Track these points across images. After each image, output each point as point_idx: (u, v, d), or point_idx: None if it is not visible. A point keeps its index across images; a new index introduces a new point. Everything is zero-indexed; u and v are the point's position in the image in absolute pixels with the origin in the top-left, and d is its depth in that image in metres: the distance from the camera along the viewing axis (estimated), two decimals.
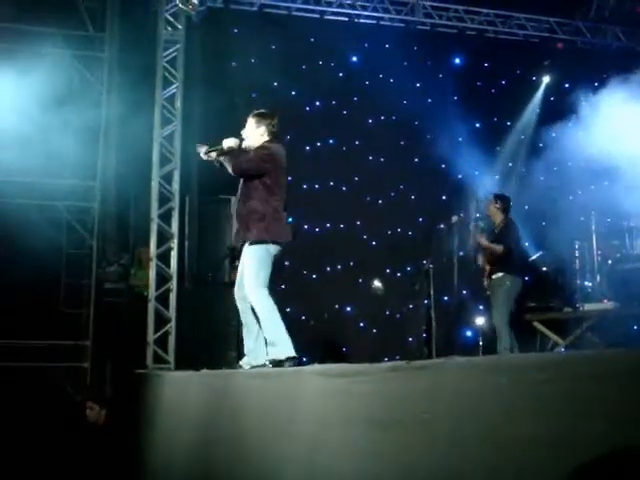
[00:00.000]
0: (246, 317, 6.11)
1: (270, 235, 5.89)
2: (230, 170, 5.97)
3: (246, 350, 6.16)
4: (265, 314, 5.89)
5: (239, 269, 6.17)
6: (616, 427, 2.28)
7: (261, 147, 6.03)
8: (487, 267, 8.78)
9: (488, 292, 8.91)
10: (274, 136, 6.18)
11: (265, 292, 5.89)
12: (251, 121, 6.16)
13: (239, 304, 6.11)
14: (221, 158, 6.04)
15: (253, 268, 5.90)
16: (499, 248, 8.60)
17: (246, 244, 5.97)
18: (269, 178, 5.93)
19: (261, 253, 5.89)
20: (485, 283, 8.89)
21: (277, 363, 5.71)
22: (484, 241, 8.66)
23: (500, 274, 8.65)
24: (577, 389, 2.40)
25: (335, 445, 3.70)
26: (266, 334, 5.91)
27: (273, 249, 5.95)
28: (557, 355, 2.88)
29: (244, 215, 5.97)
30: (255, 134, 6.11)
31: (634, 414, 2.23)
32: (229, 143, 6.03)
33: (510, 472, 2.63)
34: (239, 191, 6.08)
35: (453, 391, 2.93)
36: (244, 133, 6.13)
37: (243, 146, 6.10)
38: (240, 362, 6.23)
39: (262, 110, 6.28)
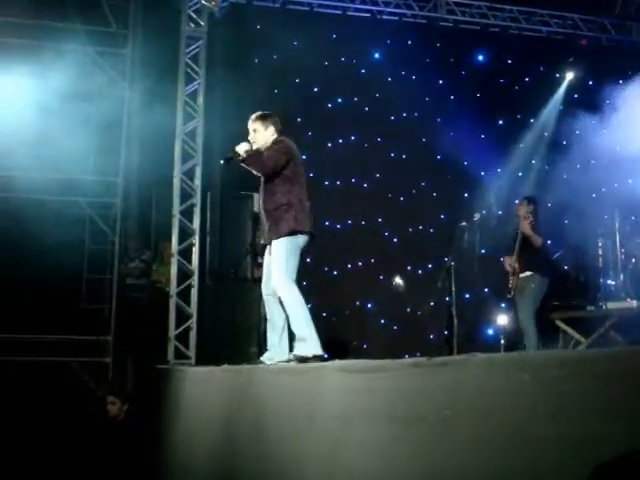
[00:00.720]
0: (272, 312, 6.12)
1: (299, 225, 5.93)
2: (258, 172, 6.02)
3: (269, 345, 6.15)
4: (295, 309, 5.89)
5: (265, 264, 6.17)
6: (638, 426, 2.26)
7: (275, 142, 6.12)
8: (515, 266, 8.72)
9: (512, 292, 8.84)
10: (281, 133, 6.24)
11: (295, 287, 5.90)
12: (256, 125, 6.21)
13: (266, 299, 6.13)
14: (243, 164, 6.04)
15: (282, 261, 5.90)
16: (539, 240, 8.56)
17: (270, 242, 5.99)
18: (289, 170, 6.02)
19: (290, 245, 5.92)
20: (511, 282, 8.82)
21: (303, 359, 5.68)
22: (527, 227, 8.58)
23: (529, 273, 8.61)
24: (598, 387, 2.38)
25: (356, 442, 3.69)
26: (295, 329, 5.89)
27: (302, 240, 5.99)
28: (578, 352, 2.86)
29: (272, 210, 5.99)
30: (264, 136, 6.16)
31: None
32: (244, 147, 6.04)
33: (532, 471, 2.61)
34: (262, 189, 6.12)
35: (475, 388, 2.91)
36: (251, 138, 6.15)
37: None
38: (261, 357, 6.21)
39: (261, 112, 6.32)
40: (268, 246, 6.09)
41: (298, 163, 6.15)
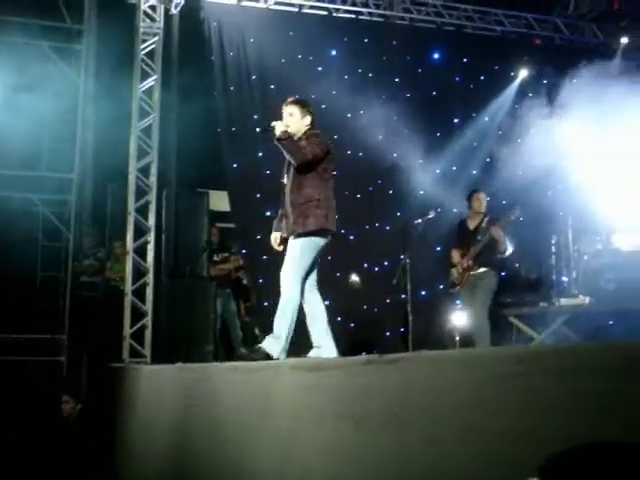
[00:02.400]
0: (310, 306, 6.02)
1: (329, 223, 5.88)
2: (293, 159, 5.83)
3: (316, 342, 5.98)
4: (288, 306, 5.78)
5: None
6: (586, 421, 2.29)
7: (313, 135, 5.96)
8: (467, 262, 8.75)
9: (457, 287, 8.90)
10: (314, 126, 6.10)
11: (299, 286, 5.81)
12: (294, 109, 6.04)
13: (305, 294, 5.96)
14: (279, 144, 5.85)
15: (298, 255, 5.81)
16: (508, 247, 8.61)
17: (295, 235, 5.86)
18: (323, 165, 5.92)
19: (312, 242, 5.84)
20: (459, 279, 8.85)
21: (268, 357, 5.61)
22: (502, 234, 8.60)
23: (484, 269, 8.66)
24: (547, 383, 2.40)
25: (308, 440, 3.69)
26: (276, 325, 5.79)
27: (326, 239, 5.94)
28: (527, 349, 2.89)
29: (301, 203, 5.84)
30: (300, 123, 6.01)
31: (603, 408, 2.24)
32: (282, 127, 5.87)
33: (482, 467, 2.63)
34: (290, 180, 5.96)
35: (425, 385, 2.93)
36: (287, 122, 5.97)
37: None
38: (310, 354, 5.95)
39: (302, 98, 6.22)
40: (289, 238, 5.98)
41: (331, 160, 6.04)
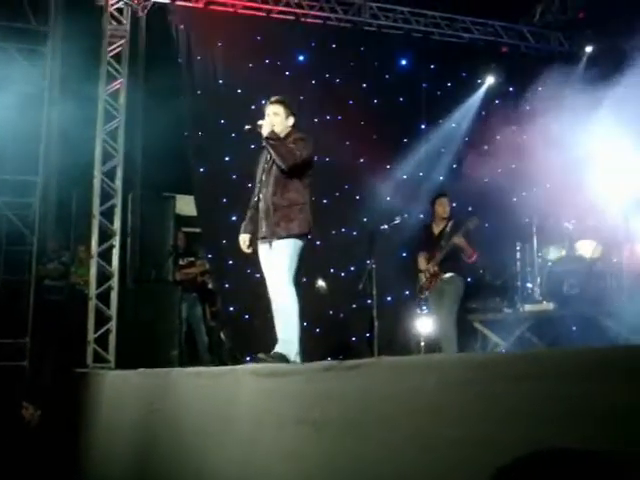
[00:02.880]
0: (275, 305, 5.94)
1: (310, 227, 5.83)
2: (280, 160, 5.74)
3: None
4: (289, 314, 5.75)
5: (265, 263, 5.94)
6: (541, 427, 2.30)
7: (301, 138, 5.90)
8: (434, 268, 8.77)
9: (425, 293, 8.91)
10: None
11: (294, 290, 5.76)
12: (279, 109, 5.98)
13: (274, 299, 5.92)
14: (267, 143, 5.80)
15: (287, 261, 5.72)
16: (473, 254, 8.64)
17: (277, 237, 5.76)
18: (307, 169, 5.90)
19: (297, 246, 5.76)
20: (427, 284, 8.88)
21: (285, 359, 5.52)
22: (464, 242, 8.63)
23: (450, 274, 8.68)
24: (502, 390, 2.41)
25: (269, 445, 3.69)
26: (283, 333, 5.74)
27: (307, 242, 5.88)
28: (485, 355, 2.90)
29: (285, 206, 5.76)
30: (284, 123, 5.96)
31: (564, 414, 2.25)
32: (268, 127, 5.81)
33: (439, 475, 2.64)
34: (272, 182, 5.84)
35: (383, 391, 2.93)
36: (272, 121, 5.90)
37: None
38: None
39: (286, 98, 6.14)
40: (264, 241, 5.88)
41: (313, 164, 6.01)
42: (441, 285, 8.72)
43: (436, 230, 8.95)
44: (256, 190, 6.06)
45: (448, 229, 8.78)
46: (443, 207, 8.95)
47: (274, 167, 5.85)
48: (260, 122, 5.85)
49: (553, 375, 2.29)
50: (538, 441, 2.26)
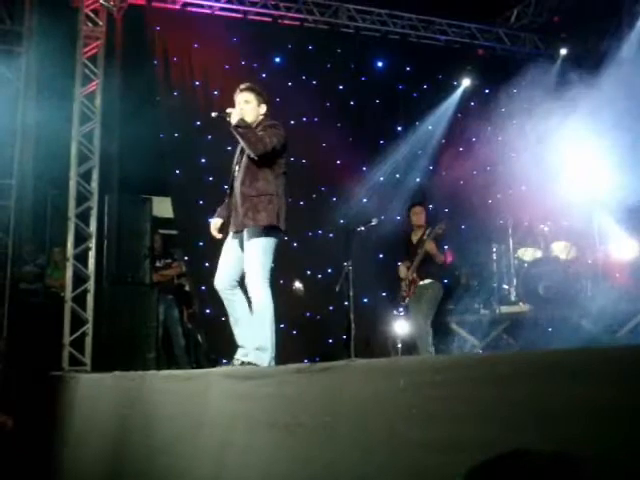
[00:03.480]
0: (233, 307, 5.67)
1: (280, 221, 5.53)
2: (250, 148, 5.44)
3: (241, 341, 5.64)
4: (264, 315, 5.48)
5: (227, 253, 5.70)
6: (508, 429, 2.31)
7: (273, 125, 5.62)
8: (412, 275, 8.79)
9: (407, 299, 8.92)
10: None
11: (269, 290, 5.52)
12: (250, 96, 5.69)
13: (223, 295, 5.67)
14: (236, 132, 5.50)
15: (259, 257, 5.46)
16: (442, 257, 8.67)
17: (247, 229, 5.50)
18: (279, 159, 5.63)
19: (270, 241, 5.49)
20: (407, 292, 8.90)
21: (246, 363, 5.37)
22: (434, 248, 8.65)
23: (428, 280, 8.69)
24: (469, 391, 2.43)
25: (241, 449, 3.68)
26: (258, 336, 5.47)
27: (278, 239, 5.59)
28: (451, 357, 2.91)
29: (253, 196, 5.49)
30: (256, 111, 5.69)
31: (526, 416, 2.26)
32: (237, 114, 5.52)
33: (410, 476, 2.65)
34: (242, 170, 5.60)
35: (354, 393, 2.94)
36: (243, 110, 5.61)
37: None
38: (236, 355, 5.61)
39: (255, 85, 5.85)
40: (236, 235, 5.67)
41: (286, 155, 5.73)
42: (420, 290, 8.74)
43: (414, 238, 8.96)
44: (230, 180, 5.85)
45: (425, 237, 8.81)
46: (417, 216, 8.98)
47: (245, 157, 5.62)
48: (229, 110, 5.60)
49: (526, 377, 2.30)
50: (507, 443, 2.27)
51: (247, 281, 5.54)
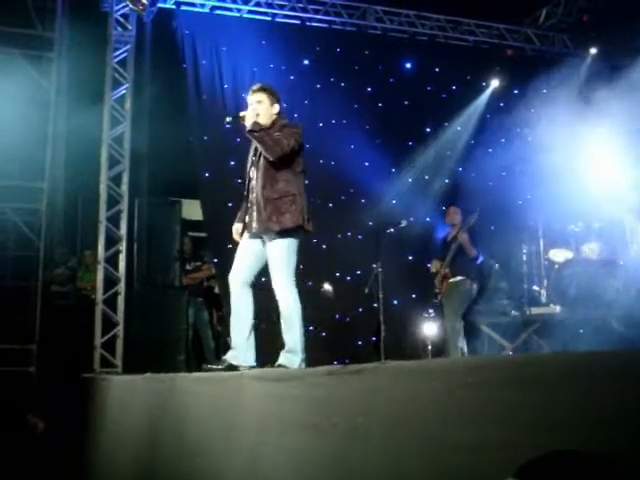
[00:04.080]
0: (239, 307, 5.60)
1: (305, 220, 5.46)
2: (267, 151, 5.38)
3: (233, 344, 5.58)
4: (294, 318, 5.46)
5: (243, 251, 5.62)
6: (543, 432, 2.29)
7: (287, 125, 5.57)
8: (444, 270, 8.80)
9: (439, 297, 8.93)
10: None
11: (296, 292, 5.49)
12: (263, 96, 5.61)
13: (235, 291, 5.58)
14: (251, 135, 5.46)
15: (284, 259, 5.42)
16: (475, 251, 8.67)
17: (271, 234, 5.43)
18: (298, 158, 5.55)
19: (292, 242, 5.44)
20: (439, 288, 8.91)
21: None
22: (466, 239, 8.64)
23: (460, 277, 8.70)
24: (503, 393, 2.41)
25: (273, 450, 3.69)
26: (289, 339, 5.43)
27: (302, 237, 5.54)
28: (484, 359, 2.90)
29: (275, 199, 5.41)
30: (269, 112, 5.59)
31: (559, 419, 2.24)
32: (252, 118, 5.47)
33: (441, 479, 2.64)
34: (260, 173, 5.48)
35: (387, 395, 2.94)
36: (257, 111, 5.54)
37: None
38: (225, 356, 5.60)
39: (270, 85, 5.77)
40: (249, 235, 5.59)
41: (303, 153, 5.65)
42: (452, 287, 8.75)
43: (449, 237, 9.00)
44: (245, 183, 5.74)
45: (459, 235, 8.82)
46: (450, 216, 9.06)
47: (262, 159, 5.52)
48: (242, 113, 5.56)
49: (558, 379, 2.28)
50: (543, 445, 2.25)
51: (274, 285, 5.50)
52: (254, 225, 5.53)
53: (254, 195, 5.56)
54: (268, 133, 5.46)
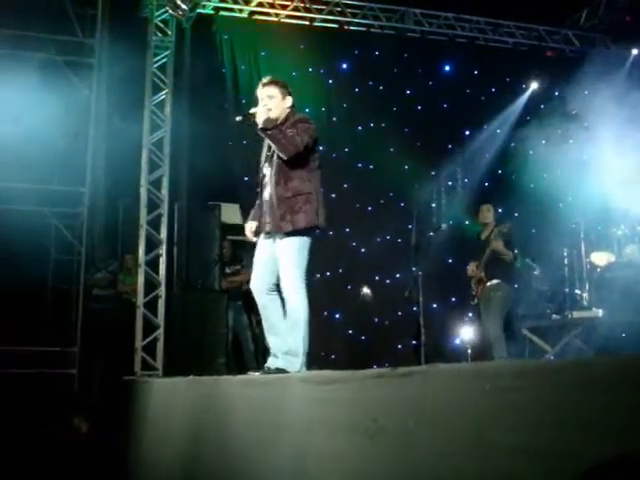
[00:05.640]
0: (268, 312, 5.43)
1: (320, 218, 5.29)
2: (281, 149, 5.21)
3: (273, 350, 5.41)
4: (300, 320, 5.25)
5: (260, 256, 5.46)
6: (592, 437, 2.25)
7: (301, 120, 5.36)
8: (480, 274, 8.73)
9: (476, 300, 8.86)
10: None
11: (304, 291, 5.25)
12: (273, 91, 5.40)
13: (259, 298, 5.42)
14: (262, 134, 5.28)
15: (294, 258, 5.22)
16: (511, 255, 8.58)
17: (283, 233, 5.26)
18: (312, 155, 5.37)
19: (304, 241, 5.25)
20: (475, 290, 8.84)
21: (276, 370, 5.24)
22: (500, 245, 8.57)
23: (496, 281, 8.60)
24: (553, 397, 2.38)
25: (320, 454, 3.67)
26: (292, 341, 5.27)
27: (316, 235, 5.37)
28: (534, 362, 2.86)
29: (289, 197, 5.24)
30: (281, 106, 5.39)
31: (609, 423, 2.21)
32: (263, 115, 5.27)
33: None
34: (273, 171, 5.32)
35: (438, 398, 2.91)
36: (269, 104, 5.34)
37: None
38: (268, 364, 5.44)
39: (280, 78, 5.58)
40: (268, 236, 5.42)
41: (317, 148, 5.49)
42: (489, 291, 8.67)
43: (483, 237, 8.91)
44: (259, 180, 5.56)
45: (492, 235, 8.74)
46: (483, 214, 8.92)
47: (275, 156, 5.33)
48: (253, 110, 5.34)
49: (604, 384, 2.25)
50: (593, 451, 2.22)
51: (282, 284, 5.29)
52: (267, 224, 5.40)
53: (268, 193, 5.42)
54: (281, 131, 5.26)
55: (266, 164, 5.47)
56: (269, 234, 5.42)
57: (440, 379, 2.95)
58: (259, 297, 5.44)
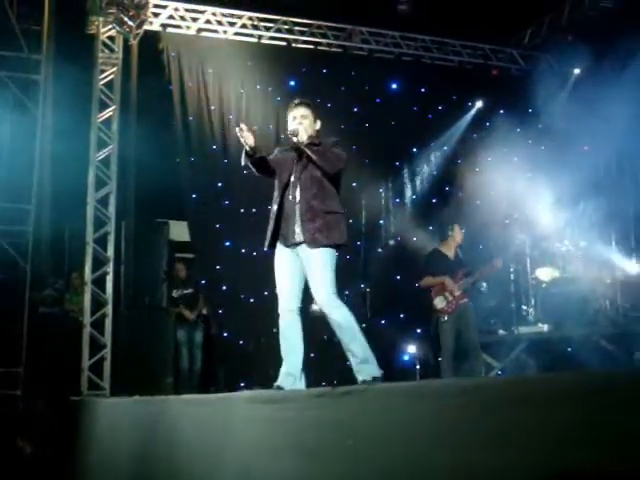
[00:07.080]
0: (291, 331, 5.26)
1: (346, 239, 5.29)
2: (325, 166, 5.18)
3: (288, 370, 5.19)
4: (352, 328, 5.12)
5: (286, 271, 5.29)
6: (529, 454, 2.29)
7: (336, 143, 5.34)
8: (458, 291, 8.42)
9: (445, 317, 8.49)
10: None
11: (341, 300, 5.16)
12: (307, 111, 5.40)
13: (288, 316, 5.25)
14: (307, 149, 5.18)
15: (329, 274, 5.14)
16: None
17: (316, 244, 5.15)
18: (340, 179, 5.38)
19: (335, 257, 5.19)
20: (448, 307, 8.46)
21: (374, 381, 4.90)
22: (500, 263, 8.57)
23: (466, 299, 8.42)
24: (496, 414, 2.42)
25: (264, 473, 3.68)
26: (355, 350, 5.08)
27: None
28: (472, 380, 2.91)
29: (327, 212, 5.20)
30: (312, 127, 5.37)
31: (547, 440, 2.25)
32: (304, 133, 5.24)
33: None
34: (309, 185, 5.21)
35: (376, 417, 2.94)
36: (303, 124, 5.30)
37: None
38: (279, 383, 5.11)
39: (311, 101, 5.55)
40: (283, 247, 5.31)
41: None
42: (463, 309, 8.39)
43: (449, 254, 8.67)
44: (278, 192, 5.37)
45: (460, 255, 8.65)
46: (462, 235, 8.72)
47: (312, 170, 5.25)
48: (295, 127, 5.28)
49: (545, 400, 2.29)
50: (537, 467, 2.26)
51: (322, 302, 5.16)
52: (296, 233, 5.26)
53: (296, 203, 5.29)
54: (326, 147, 5.25)
55: (293, 176, 5.33)
56: (290, 246, 5.29)
57: (378, 398, 2.99)
58: (287, 317, 5.29)
